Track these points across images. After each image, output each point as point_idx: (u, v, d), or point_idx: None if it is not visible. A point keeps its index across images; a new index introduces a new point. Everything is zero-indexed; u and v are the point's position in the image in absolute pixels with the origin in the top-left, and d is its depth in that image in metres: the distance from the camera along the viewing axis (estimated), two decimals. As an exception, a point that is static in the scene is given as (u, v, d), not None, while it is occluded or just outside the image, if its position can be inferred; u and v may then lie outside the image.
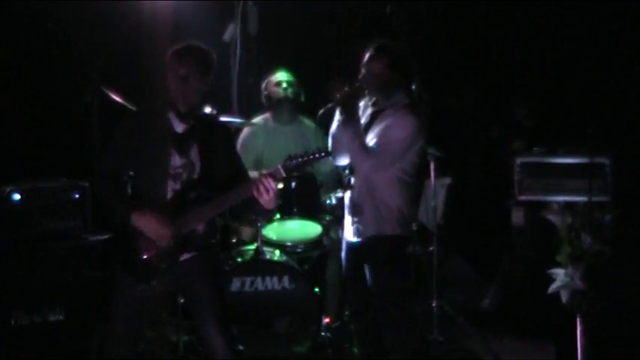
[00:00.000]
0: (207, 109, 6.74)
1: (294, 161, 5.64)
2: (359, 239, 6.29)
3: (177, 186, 5.68)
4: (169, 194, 5.67)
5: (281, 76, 7.76)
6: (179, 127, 5.71)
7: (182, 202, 5.65)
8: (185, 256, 5.70)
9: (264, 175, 5.57)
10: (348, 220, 6.40)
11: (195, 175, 5.69)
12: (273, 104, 7.75)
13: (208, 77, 5.72)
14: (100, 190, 5.81)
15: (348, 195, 6.38)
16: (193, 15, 8.20)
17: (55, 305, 6.97)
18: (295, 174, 6.98)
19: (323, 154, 5.70)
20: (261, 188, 5.54)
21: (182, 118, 5.70)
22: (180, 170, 5.69)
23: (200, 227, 5.72)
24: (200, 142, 5.72)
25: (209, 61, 5.74)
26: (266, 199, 5.57)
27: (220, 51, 8.49)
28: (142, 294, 5.66)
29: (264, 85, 7.80)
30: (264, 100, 7.81)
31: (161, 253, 5.63)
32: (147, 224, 5.59)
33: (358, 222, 6.28)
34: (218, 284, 5.85)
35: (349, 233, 6.38)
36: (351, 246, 6.39)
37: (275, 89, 7.73)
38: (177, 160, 5.69)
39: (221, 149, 5.79)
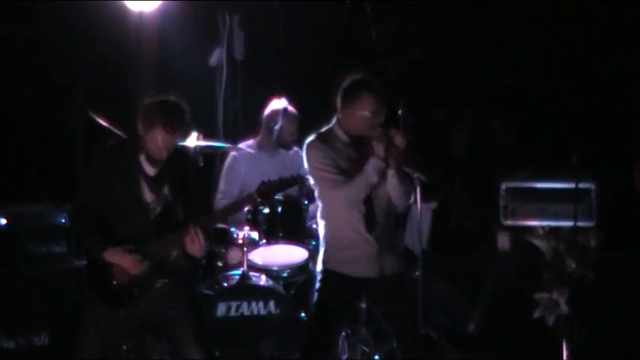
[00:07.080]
0: (194, 135, 6.77)
1: (266, 187, 5.78)
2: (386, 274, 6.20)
3: (150, 218, 5.76)
4: (142, 226, 5.73)
5: (292, 112, 7.61)
6: (150, 171, 5.78)
7: (155, 232, 5.73)
8: (158, 283, 5.77)
9: (195, 227, 5.63)
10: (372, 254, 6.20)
11: (167, 207, 5.79)
12: (279, 139, 7.61)
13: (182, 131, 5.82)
14: (75, 227, 6.03)
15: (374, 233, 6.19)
16: (179, 39, 8.22)
17: (39, 329, 6.96)
18: (281, 199, 7.02)
19: (296, 180, 5.88)
20: (192, 237, 5.62)
21: (153, 163, 5.77)
22: (154, 204, 5.78)
23: (173, 253, 5.77)
24: (171, 181, 5.80)
25: (185, 118, 5.78)
26: (191, 249, 5.67)
27: (206, 75, 8.60)
28: (113, 320, 5.71)
29: (272, 111, 7.59)
30: (264, 123, 7.65)
31: (134, 278, 5.69)
32: (118, 260, 5.67)
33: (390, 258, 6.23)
34: (195, 307, 5.89)
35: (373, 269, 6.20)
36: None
37: (289, 129, 7.54)
38: (149, 196, 5.78)
39: (190, 182, 5.89)
